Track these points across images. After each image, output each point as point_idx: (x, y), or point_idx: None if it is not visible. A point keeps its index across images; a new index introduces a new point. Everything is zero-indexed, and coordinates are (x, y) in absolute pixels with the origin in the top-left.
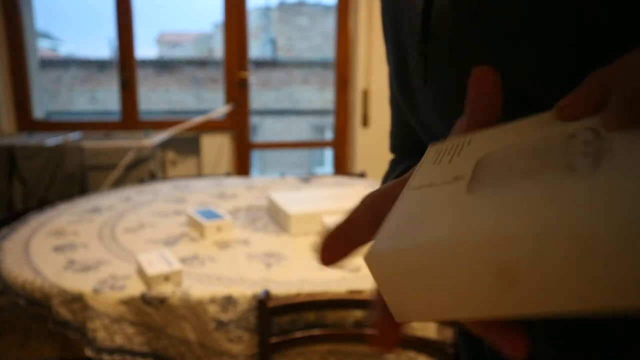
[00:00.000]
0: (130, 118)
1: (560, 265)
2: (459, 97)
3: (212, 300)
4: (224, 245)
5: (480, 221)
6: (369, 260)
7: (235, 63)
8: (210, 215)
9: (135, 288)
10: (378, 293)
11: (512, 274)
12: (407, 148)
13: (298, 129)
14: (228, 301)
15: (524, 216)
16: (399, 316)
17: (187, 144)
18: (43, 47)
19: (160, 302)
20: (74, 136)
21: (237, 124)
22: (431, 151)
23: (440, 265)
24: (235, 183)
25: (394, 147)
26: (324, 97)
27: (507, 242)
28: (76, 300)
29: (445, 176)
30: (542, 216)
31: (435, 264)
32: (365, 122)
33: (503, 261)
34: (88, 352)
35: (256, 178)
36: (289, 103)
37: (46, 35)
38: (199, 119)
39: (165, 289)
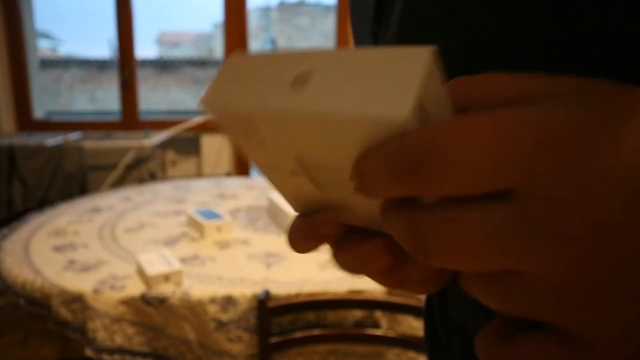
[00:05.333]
0: (130, 118)
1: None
2: None
3: (212, 300)
4: (224, 245)
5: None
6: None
7: None
8: (210, 215)
9: (135, 288)
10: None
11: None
12: None
13: None
14: (228, 301)
15: None
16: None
17: (187, 144)
18: (43, 47)
19: (160, 302)
20: (74, 136)
21: None
22: None
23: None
24: (235, 183)
25: None
26: None
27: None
28: (76, 300)
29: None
30: None
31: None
32: None
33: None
34: (88, 352)
35: (256, 178)
36: None
37: (46, 35)
38: (199, 119)
39: (165, 289)
